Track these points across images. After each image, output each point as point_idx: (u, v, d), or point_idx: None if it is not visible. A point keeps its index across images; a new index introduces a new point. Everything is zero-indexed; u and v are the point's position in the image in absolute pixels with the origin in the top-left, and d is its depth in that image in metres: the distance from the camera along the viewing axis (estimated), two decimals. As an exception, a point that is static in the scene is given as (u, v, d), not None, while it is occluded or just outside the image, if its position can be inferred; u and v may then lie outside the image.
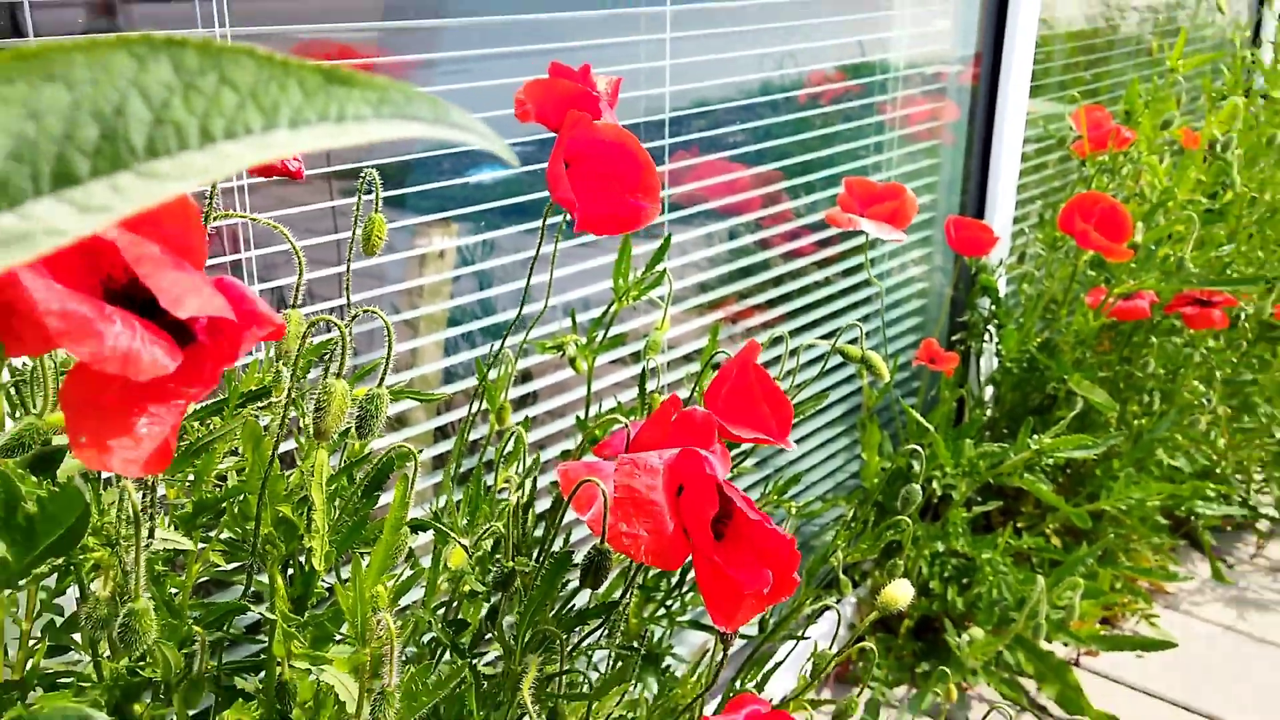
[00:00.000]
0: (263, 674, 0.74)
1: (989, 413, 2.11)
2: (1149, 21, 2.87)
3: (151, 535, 0.65)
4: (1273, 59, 2.66)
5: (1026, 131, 2.22)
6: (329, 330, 1.01)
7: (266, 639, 0.74)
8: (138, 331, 0.44)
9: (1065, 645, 1.97)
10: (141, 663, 0.74)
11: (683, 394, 1.09)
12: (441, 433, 1.37)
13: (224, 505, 0.72)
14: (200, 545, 0.76)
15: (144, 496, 0.66)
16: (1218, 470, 2.26)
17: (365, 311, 0.72)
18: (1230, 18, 3.09)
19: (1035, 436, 1.66)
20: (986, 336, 2.13)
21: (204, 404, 0.78)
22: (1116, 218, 1.79)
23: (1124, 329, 2.07)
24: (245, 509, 0.70)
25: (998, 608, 1.83)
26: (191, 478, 0.75)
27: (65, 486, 0.61)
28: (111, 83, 0.22)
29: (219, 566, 0.77)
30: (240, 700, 0.74)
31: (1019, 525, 2.04)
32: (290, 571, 0.76)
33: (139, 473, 0.45)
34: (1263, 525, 2.42)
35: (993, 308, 2.10)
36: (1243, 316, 2.10)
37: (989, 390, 2.14)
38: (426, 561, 0.99)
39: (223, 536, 0.76)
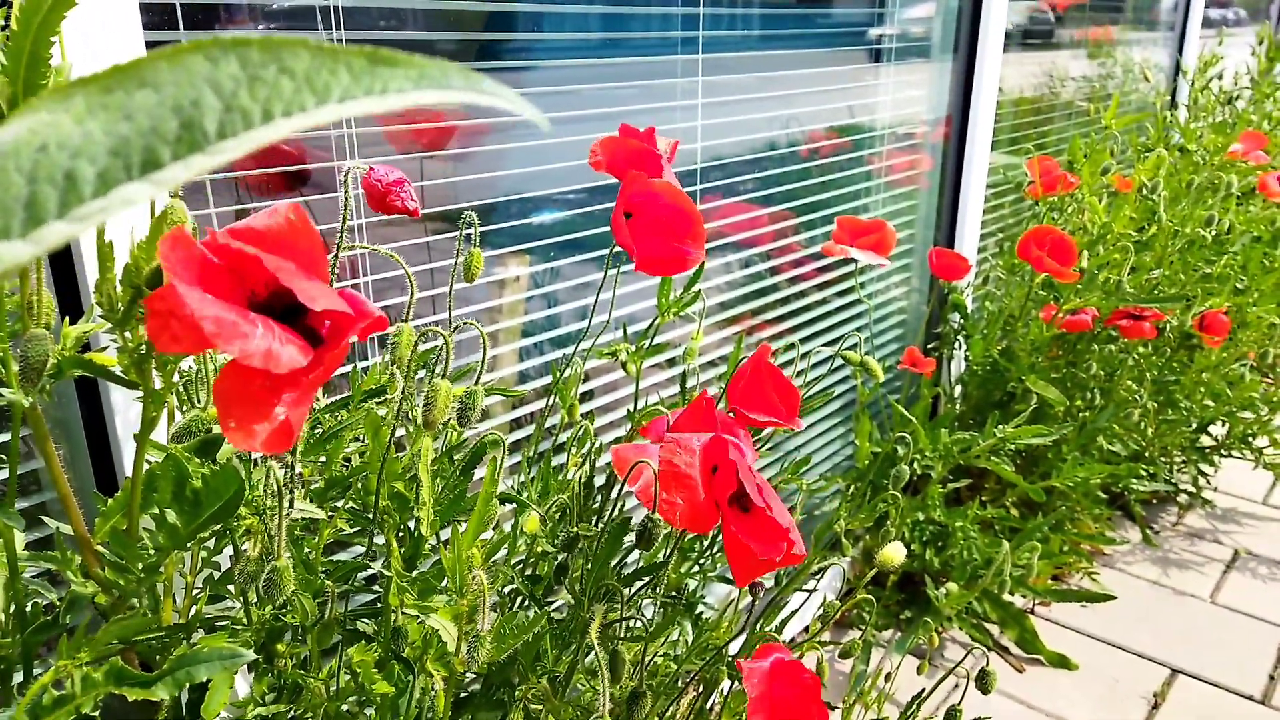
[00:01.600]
0: (380, 620, 0.73)
1: (959, 407, 2.07)
2: (1085, 89, 2.82)
3: (292, 506, 0.64)
4: (1187, 118, 2.60)
5: (988, 178, 2.19)
6: (427, 340, 1.00)
7: (383, 591, 0.72)
8: (276, 333, 0.43)
9: (1023, 597, 1.93)
10: (283, 610, 0.73)
11: (712, 391, 1.07)
12: (515, 424, 1.36)
13: (349, 482, 0.71)
14: (330, 514, 0.75)
15: (285, 475, 0.65)
16: (1146, 454, 2.21)
17: (464, 324, 0.70)
18: (1153, 85, 3.04)
19: (1000, 427, 1.62)
20: (957, 345, 2.09)
21: (333, 400, 0.77)
22: (1065, 247, 1.75)
23: (1071, 338, 2.03)
24: (367, 485, 0.69)
25: (968, 566, 1.79)
26: (323, 460, 0.74)
27: (224, 466, 0.60)
28: (189, 81, 0.22)
29: (344, 531, 0.76)
30: (362, 642, 0.73)
31: (984, 499, 2.00)
32: (402, 536, 0.75)
33: (277, 449, 0.44)
34: (1182, 499, 2.37)
35: (962, 321, 2.06)
36: (1168, 328, 2.06)
37: (959, 389, 2.10)
38: (508, 528, 0.97)
39: (347, 507, 0.75)
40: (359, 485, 0.70)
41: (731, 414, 0.87)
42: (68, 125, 0.20)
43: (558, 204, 1.34)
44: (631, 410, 1.21)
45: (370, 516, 0.70)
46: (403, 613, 0.69)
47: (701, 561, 1.26)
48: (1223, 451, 2.30)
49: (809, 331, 1.86)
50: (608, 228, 1.33)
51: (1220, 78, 2.64)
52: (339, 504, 0.74)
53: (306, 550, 0.74)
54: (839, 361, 1.28)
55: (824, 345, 1.88)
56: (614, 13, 1.32)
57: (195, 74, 0.22)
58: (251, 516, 0.67)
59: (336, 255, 0.63)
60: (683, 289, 1.18)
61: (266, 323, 0.43)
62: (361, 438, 0.74)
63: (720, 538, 1.26)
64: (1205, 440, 2.36)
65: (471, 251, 0.73)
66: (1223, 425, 2.30)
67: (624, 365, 1.18)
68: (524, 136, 1.25)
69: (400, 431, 0.99)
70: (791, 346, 1.72)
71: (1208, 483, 2.38)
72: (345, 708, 0.79)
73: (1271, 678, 1.74)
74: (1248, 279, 2.17)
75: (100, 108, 0.21)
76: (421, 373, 0.78)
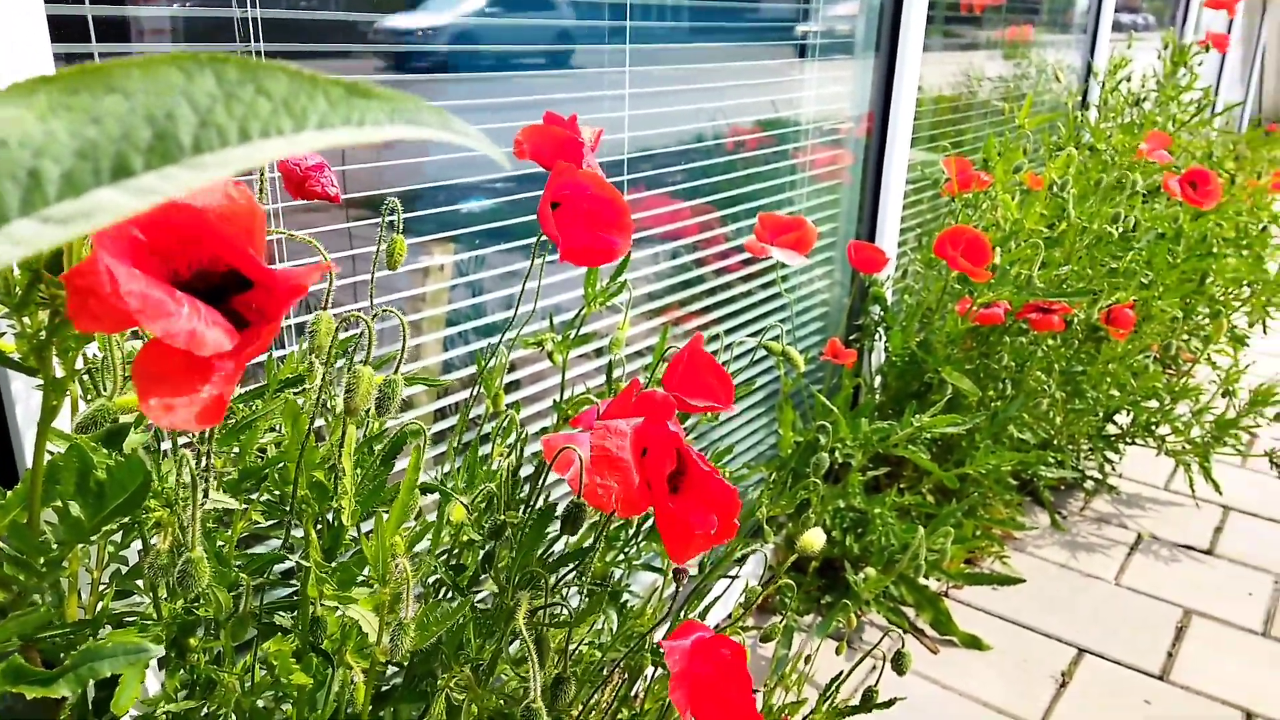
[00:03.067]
0: (298, 612, 0.71)
1: (879, 397, 2.11)
2: (1000, 88, 2.90)
3: (205, 496, 0.62)
4: (1097, 119, 2.69)
5: (908, 174, 2.23)
6: (347, 329, 0.98)
7: (300, 583, 0.71)
8: (202, 314, 0.42)
9: (938, 581, 1.98)
10: (195, 604, 0.71)
11: (640, 380, 1.07)
12: (440, 414, 1.34)
13: (265, 473, 0.69)
14: (244, 506, 0.73)
15: (198, 464, 0.63)
16: (1055, 442, 2.28)
17: (385, 311, 0.69)
18: (1064, 85, 3.13)
19: (916, 417, 1.66)
20: (877, 337, 2.13)
21: (247, 390, 0.75)
22: (979, 247, 1.79)
23: (984, 331, 2.08)
24: (284, 474, 0.67)
25: (886, 552, 1.83)
26: (237, 450, 0.72)
27: (129, 457, 0.57)
28: (163, 92, 0.21)
29: (259, 523, 0.74)
30: (279, 634, 0.71)
31: (902, 486, 2.05)
32: (321, 527, 0.73)
33: (198, 426, 0.43)
34: (1089, 485, 2.45)
35: (882, 314, 2.10)
36: (1075, 321, 2.13)
37: (879, 379, 2.14)
38: (432, 518, 0.96)
39: (263, 499, 0.73)
40: (275, 476, 0.69)
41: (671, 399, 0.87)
42: (30, 122, 0.20)
43: (485, 192, 1.32)
44: (558, 400, 1.21)
45: (288, 507, 0.68)
46: (321, 604, 0.67)
47: (627, 550, 1.27)
48: (1127, 439, 2.39)
49: (734, 323, 1.88)
50: (535, 216, 1.32)
51: (1129, 80, 2.74)
52: (254, 496, 0.72)
53: (220, 543, 0.72)
54: (763, 352, 1.29)
55: (748, 336, 1.89)
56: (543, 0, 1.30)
57: (169, 85, 0.21)
58: (161, 509, 0.64)
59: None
60: (609, 279, 1.18)
61: (193, 303, 0.42)
62: (277, 428, 0.72)
63: (645, 526, 1.26)
64: (1110, 429, 2.45)
65: (394, 238, 0.71)
66: (1127, 414, 2.39)
67: (550, 355, 1.18)
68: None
69: (320, 422, 0.97)
70: (716, 338, 1.73)
71: (1113, 469, 2.47)
72: (261, 703, 0.77)
73: (1170, 655, 1.82)
74: (1152, 274, 2.26)
75: (63, 108, 0.20)
76: (341, 361, 0.76)
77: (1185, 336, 2.53)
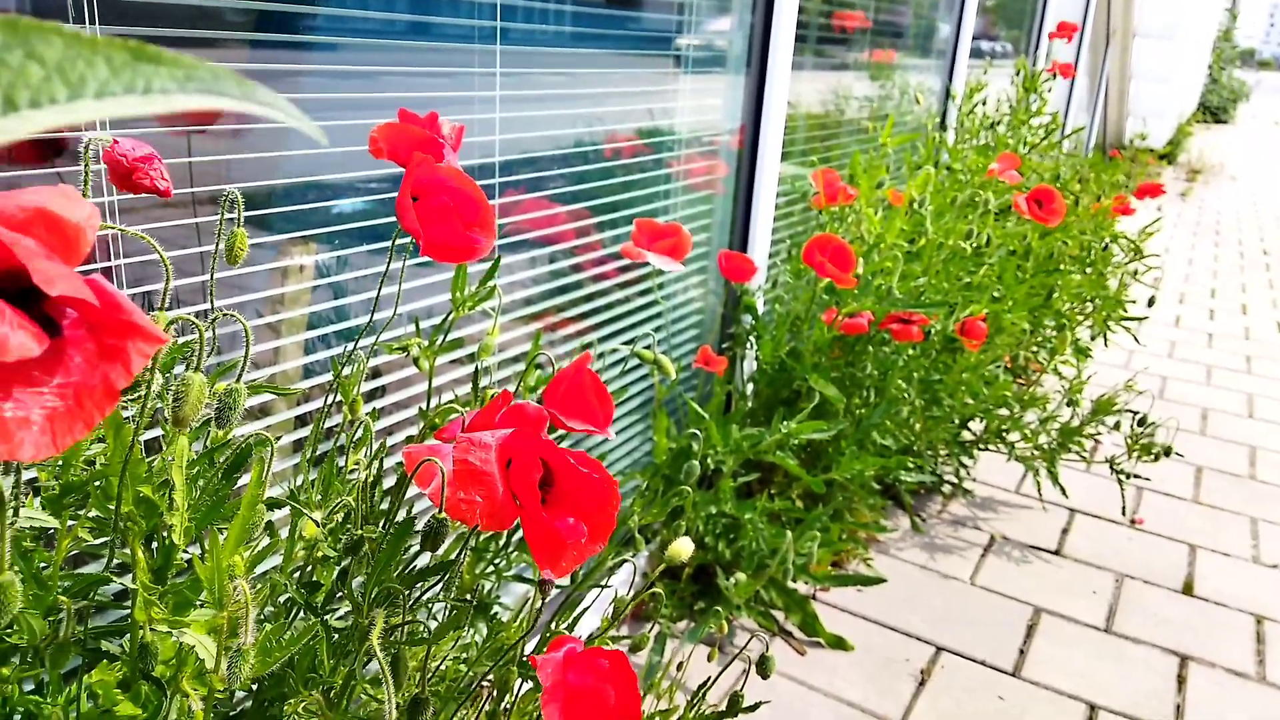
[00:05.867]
0: (126, 637, 0.66)
1: (750, 404, 2.13)
2: (866, 108, 2.99)
3: (16, 514, 0.56)
4: (954, 139, 2.81)
5: (779, 187, 2.27)
6: (189, 331, 0.91)
7: (130, 606, 0.65)
8: (6, 315, 0.37)
9: (806, 584, 2.01)
10: (9, 630, 0.64)
11: (510, 388, 1.04)
12: (301, 421, 1.27)
13: (89, 487, 0.63)
14: (71, 523, 0.67)
15: (12, 480, 0.57)
16: (915, 448, 2.36)
17: (226, 315, 0.64)
18: (925, 107, 3.26)
19: (785, 423, 1.68)
20: (749, 345, 2.16)
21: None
22: (845, 254, 1.83)
23: (850, 340, 2.13)
24: (107, 489, 0.62)
25: (756, 556, 1.84)
26: (60, 462, 0.65)
27: (-75, 472, 0.51)
28: None
29: (87, 542, 0.67)
30: (105, 661, 0.65)
31: (773, 492, 2.08)
32: (154, 545, 0.68)
33: (3, 456, 0.38)
34: (946, 489, 2.55)
35: (753, 322, 2.13)
36: (933, 332, 2.21)
37: (750, 387, 2.16)
38: (285, 534, 0.90)
39: (91, 515, 0.67)
40: (99, 492, 0.63)
41: (549, 416, 0.84)
42: None
43: (353, 191, 1.27)
44: (424, 408, 1.16)
45: (113, 525, 0.62)
46: (152, 629, 0.62)
47: (497, 561, 1.23)
48: (980, 445, 2.49)
49: (609, 330, 1.86)
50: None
51: (984, 104, 2.87)
52: (80, 511, 0.66)
53: (41, 564, 0.65)
54: (637, 360, 1.28)
55: (623, 344, 1.89)
56: (410, -3, 1.26)
57: (-85, 44, 0.18)
58: (-33, 527, 0.58)
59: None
60: (479, 283, 1.15)
61: None
62: (105, 439, 0.66)
63: (516, 537, 1.23)
64: (966, 435, 2.55)
65: (234, 232, 0.66)
66: (981, 421, 2.49)
67: (416, 361, 1.14)
68: (318, 115, 1.17)
69: (158, 433, 0.90)
70: (590, 345, 1.72)
71: (968, 474, 2.57)
72: (90, 735, 0.70)
73: (1022, 651, 1.90)
74: (1003, 288, 2.37)
75: None
76: (180, 367, 0.71)
77: (1034, 348, 2.67)
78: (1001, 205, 2.35)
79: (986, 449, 2.50)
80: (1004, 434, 2.44)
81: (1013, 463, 2.48)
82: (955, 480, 2.53)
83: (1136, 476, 2.35)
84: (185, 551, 0.65)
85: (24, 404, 0.39)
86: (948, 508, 2.47)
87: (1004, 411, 2.43)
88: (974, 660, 1.86)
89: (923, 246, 2.20)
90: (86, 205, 0.42)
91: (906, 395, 2.17)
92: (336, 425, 1.14)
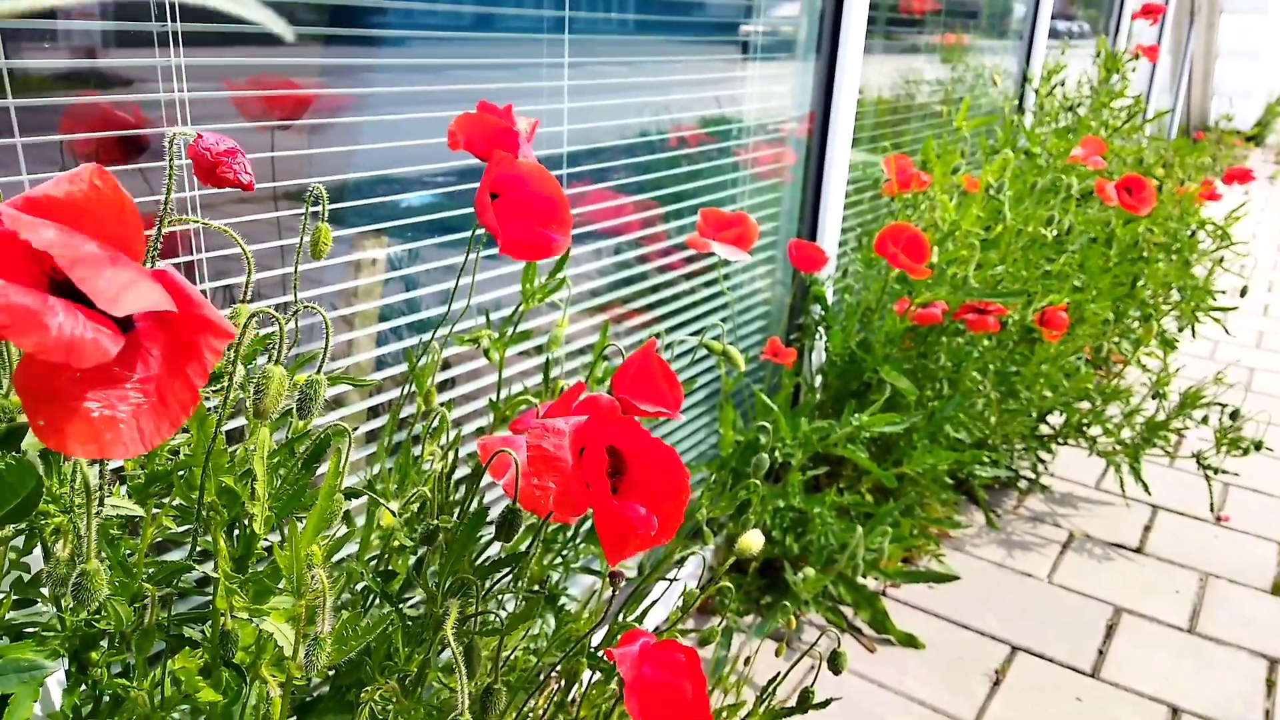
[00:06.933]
0: (208, 624, 0.67)
1: (819, 396, 2.11)
2: (939, 92, 2.93)
3: (102, 504, 0.57)
4: (1033, 123, 2.73)
5: (848, 174, 2.23)
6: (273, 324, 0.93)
7: (212, 594, 0.66)
8: (80, 320, 0.37)
9: (876, 580, 1.98)
10: (97, 615, 0.66)
11: (580, 380, 1.05)
12: (373, 412, 1.29)
13: (174, 477, 0.65)
14: (155, 511, 0.69)
15: (99, 469, 0.58)
16: (990, 441, 2.31)
17: (306, 307, 0.65)
18: (1001, 90, 3.17)
19: (856, 416, 1.66)
20: (817, 336, 2.13)
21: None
22: (919, 244, 1.80)
23: (922, 331, 2.09)
24: (191, 479, 0.63)
25: (825, 551, 1.82)
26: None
27: (20, 460, 0.53)
28: None
29: (171, 530, 0.69)
30: (188, 648, 0.67)
31: (842, 486, 2.05)
32: (236, 534, 0.69)
33: (95, 455, 0.38)
34: (1022, 484, 2.49)
35: (822, 313, 2.10)
36: (1010, 323, 2.15)
37: (819, 379, 2.14)
38: (361, 523, 0.92)
39: (175, 503, 0.69)
40: (182, 481, 0.64)
41: (619, 403, 0.85)
42: None
43: (422, 184, 1.28)
44: (494, 399, 1.17)
45: (196, 514, 0.64)
46: (233, 616, 0.63)
47: (565, 553, 1.24)
48: (1059, 439, 2.43)
49: (675, 321, 1.86)
50: (472, 209, 1.29)
51: (1063, 85, 2.78)
52: (165, 500, 0.67)
53: (127, 551, 0.67)
54: (704, 350, 1.27)
55: (690, 335, 1.88)
56: (479, -11, 1.27)
57: None
58: (60, 514, 0.60)
59: (159, 231, 0.57)
60: (548, 275, 1.15)
61: (69, 307, 0.37)
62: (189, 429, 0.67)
63: (583, 529, 1.24)
64: (1044, 429, 2.49)
65: (319, 227, 0.67)
66: (1060, 415, 2.43)
67: (486, 353, 1.14)
68: (389, 109, 1.19)
69: (241, 422, 0.92)
70: (658, 336, 1.71)
71: (1045, 469, 2.51)
72: (176, 717, 0.72)
73: (1101, 652, 1.84)
74: (1085, 277, 2.30)
75: None
76: (262, 359, 0.72)
77: (1116, 339, 2.58)
78: (1084, 191, 2.28)
79: (1066, 443, 2.44)
80: (1084, 428, 2.37)
81: (1093, 457, 2.41)
82: (1032, 475, 2.47)
83: (1223, 472, 2.26)
84: (265, 540, 0.67)
85: (109, 403, 0.39)
86: (1024, 503, 2.41)
87: (1085, 405, 2.37)
88: (1051, 660, 1.81)
89: (1000, 233, 2.15)
90: (113, 180, 0.41)
91: (982, 387, 2.13)
92: (410, 416, 1.15)
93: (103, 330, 0.37)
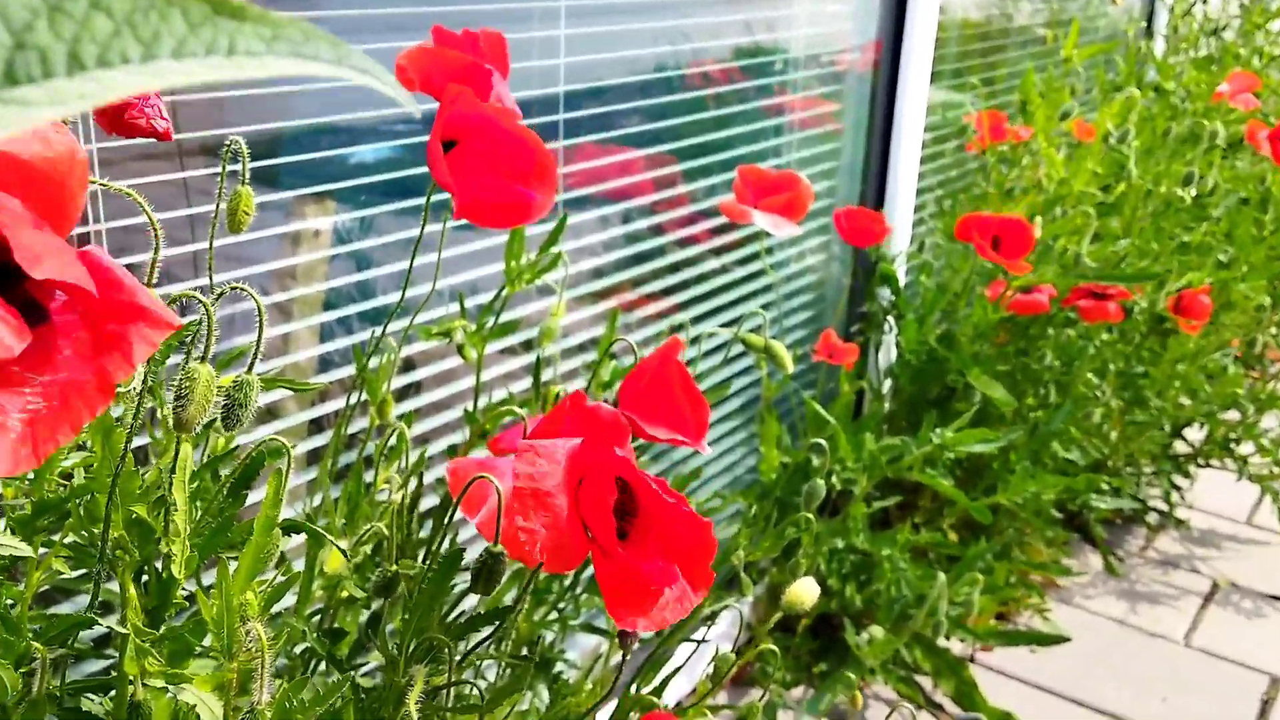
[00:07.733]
0: (113, 694, 0.69)
1: (888, 406, 2.12)
2: (1042, 12, 2.93)
3: (-18, 541, 0.59)
4: (1165, 51, 2.73)
5: (926, 120, 2.24)
6: (187, 312, 0.95)
7: (117, 655, 0.68)
8: None
9: (962, 642, 1.99)
10: (-27, 684, 0.68)
11: (578, 384, 1.06)
12: (317, 425, 1.31)
13: (69, 506, 0.66)
14: (42, 551, 0.70)
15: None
16: (1109, 463, 2.31)
17: (234, 290, 0.66)
18: (1123, 8, 3.17)
19: (937, 431, 1.66)
20: (886, 328, 2.14)
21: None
22: (1017, 231, 1.80)
23: (1022, 322, 2.09)
24: (93, 509, 0.64)
25: (896, 605, 1.83)
26: (31, 475, 0.69)
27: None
28: None
29: (63, 574, 0.71)
30: (87, 723, 0.68)
31: (918, 521, 2.06)
32: (145, 579, 0.71)
33: None
34: (1152, 518, 2.49)
35: (893, 299, 2.11)
36: (1136, 310, 2.15)
37: (888, 383, 2.15)
38: (300, 566, 0.93)
39: (67, 541, 0.70)
40: (82, 511, 0.66)
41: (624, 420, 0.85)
42: None
43: (378, 135, 1.30)
44: (469, 409, 1.18)
45: (99, 553, 0.65)
46: (144, 684, 0.64)
47: (561, 606, 1.25)
48: (1200, 460, 2.42)
49: (702, 309, 1.87)
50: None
51: (1205, 2, 2.78)
52: (55, 536, 0.69)
53: (9, 601, 0.68)
54: (739, 348, 1.28)
55: (720, 326, 1.89)
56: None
57: (-32, -6, 0.20)
58: (-75, 555, 0.61)
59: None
60: (539, 250, 1.16)
61: None
62: (87, 445, 0.69)
63: (585, 575, 1.25)
64: (1180, 447, 2.48)
65: (238, 191, 0.69)
66: (1201, 428, 2.42)
67: (460, 349, 1.16)
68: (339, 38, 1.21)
69: (144, 439, 0.93)
70: (681, 327, 1.72)
71: (1182, 499, 2.51)
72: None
73: (1252, 734, 1.85)
74: (1233, 250, 2.29)
75: None
76: (174, 358, 0.73)
77: (1274, 330, 2.58)
78: (1232, 139, 2.27)
79: (1208, 465, 2.43)
80: (1232, 445, 2.37)
81: (1244, 483, 2.41)
82: (1165, 507, 2.47)
83: None
84: (185, 587, 0.68)
85: (3, 409, 0.41)
86: (1154, 543, 2.42)
87: (1233, 415, 2.36)
88: (1191, 747, 1.81)
89: (1123, 196, 2.15)
90: (72, 142, 0.43)
91: (1099, 393, 2.13)
92: (361, 432, 1.17)
93: (7, 319, 0.39)
